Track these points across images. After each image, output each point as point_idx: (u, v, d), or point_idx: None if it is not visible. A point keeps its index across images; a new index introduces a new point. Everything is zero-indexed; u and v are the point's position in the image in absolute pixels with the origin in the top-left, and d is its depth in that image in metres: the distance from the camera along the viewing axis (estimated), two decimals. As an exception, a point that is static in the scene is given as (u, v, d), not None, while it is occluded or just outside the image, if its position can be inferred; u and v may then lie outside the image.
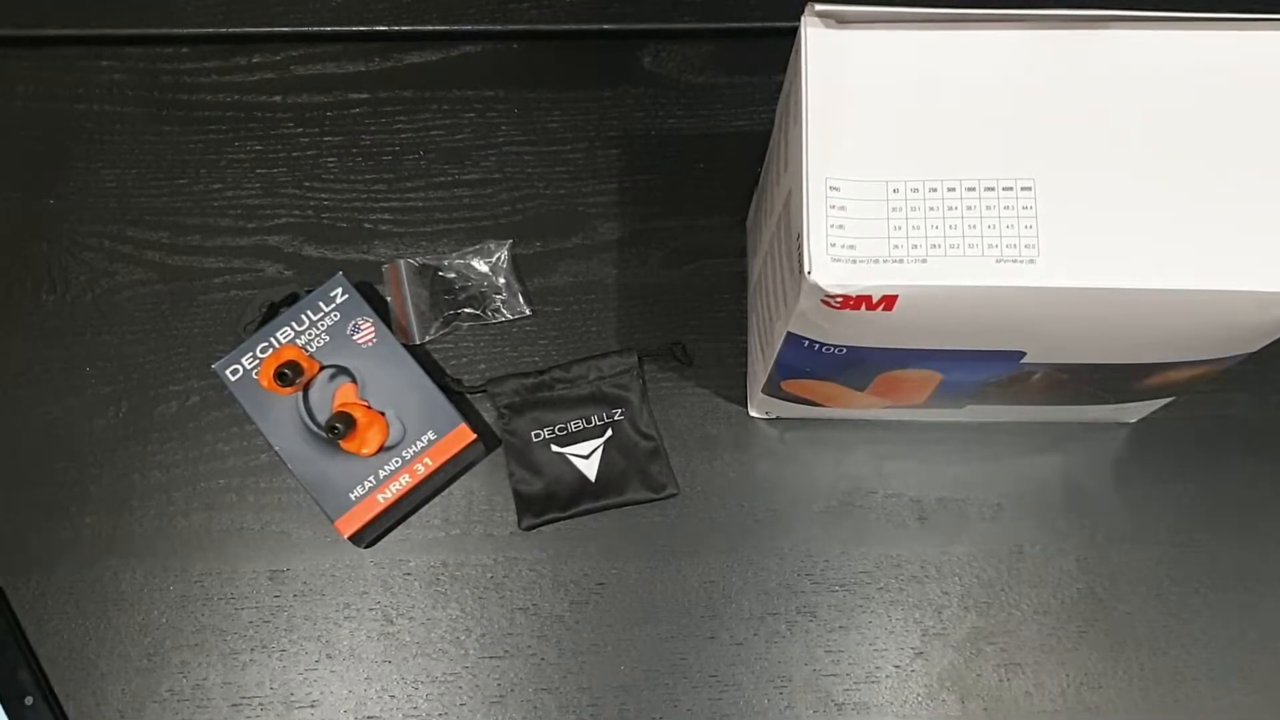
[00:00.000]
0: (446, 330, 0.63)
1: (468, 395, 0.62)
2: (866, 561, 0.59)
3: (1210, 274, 0.39)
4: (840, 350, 0.46)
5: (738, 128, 0.67)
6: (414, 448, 0.58)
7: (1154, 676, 0.57)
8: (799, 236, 0.40)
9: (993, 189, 0.40)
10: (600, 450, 0.60)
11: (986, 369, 0.49)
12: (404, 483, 0.57)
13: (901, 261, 0.40)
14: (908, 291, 0.40)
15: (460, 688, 0.58)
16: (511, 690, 0.58)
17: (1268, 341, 0.44)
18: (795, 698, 0.57)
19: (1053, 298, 0.40)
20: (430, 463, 0.58)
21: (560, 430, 0.61)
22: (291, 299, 0.62)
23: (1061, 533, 0.60)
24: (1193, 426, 0.61)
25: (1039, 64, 0.41)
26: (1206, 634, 0.57)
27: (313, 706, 0.57)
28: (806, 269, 0.39)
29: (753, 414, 0.62)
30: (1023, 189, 0.40)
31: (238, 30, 0.69)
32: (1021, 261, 0.39)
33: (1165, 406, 0.58)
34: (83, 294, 0.64)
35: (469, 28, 0.70)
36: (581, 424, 0.61)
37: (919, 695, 0.57)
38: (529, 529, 0.60)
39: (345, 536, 0.57)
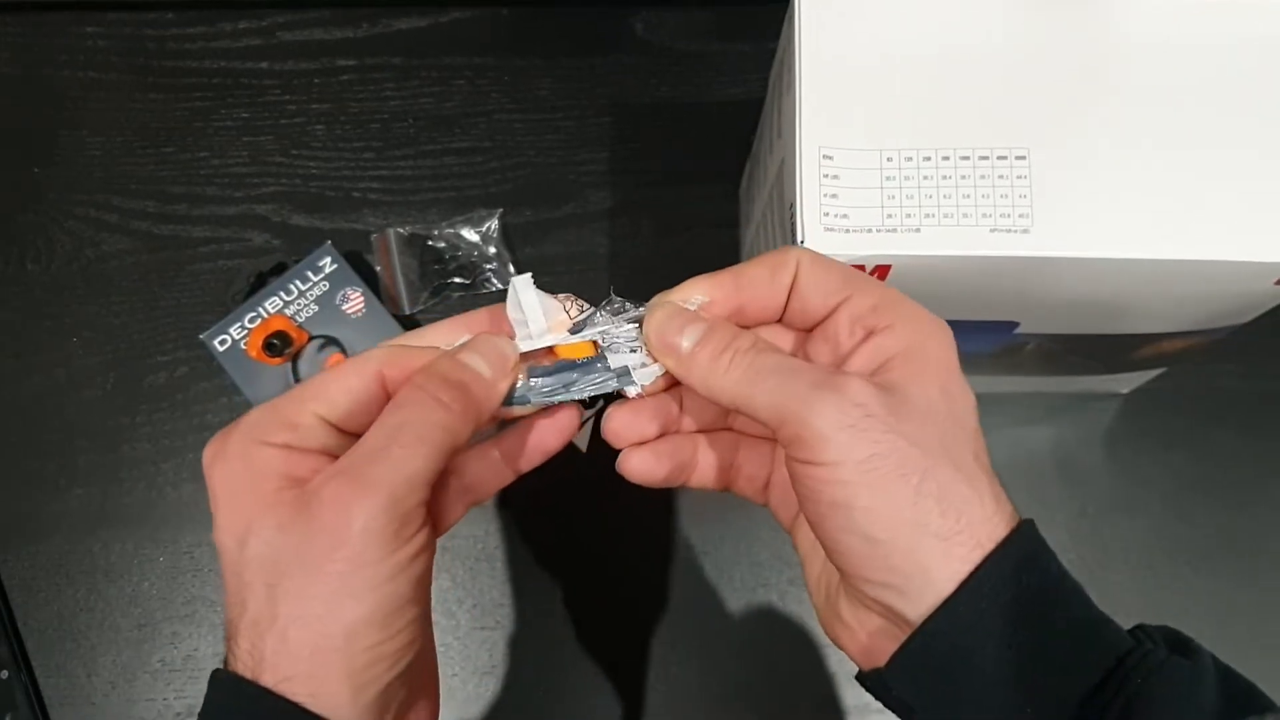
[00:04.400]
0: (436, 300, 0.63)
1: (458, 366, 0.62)
2: (858, 532, 0.59)
3: (1204, 244, 0.39)
4: (833, 321, 0.46)
5: (730, 96, 0.67)
6: (404, 419, 0.57)
7: (1143, 646, 0.57)
8: (792, 206, 0.40)
9: (987, 158, 0.40)
10: (591, 422, 0.60)
11: (980, 339, 0.49)
12: (394, 454, 0.57)
13: (895, 231, 0.39)
14: (901, 261, 0.40)
15: (451, 658, 0.58)
16: (503, 661, 0.58)
17: (1260, 312, 0.44)
18: (789, 668, 0.57)
19: (1046, 267, 0.40)
20: (421, 434, 0.57)
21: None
22: (280, 269, 0.61)
23: (1053, 503, 0.60)
24: (1184, 397, 0.61)
25: (1034, 33, 0.41)
26: (1198, 604, 0.58)
27: (304, 677, 0.58)
28: (800, 238, 0.39)
29: (745, 385, 0.62)
30: (1017, 158, 0.40)
31: (223, -5, 0.68)
32: (1015, 231, 0.39)
33: (1157, 377, 0.58)
34: (69, 264, 0.64)
35: (458, -7, 0.69)
36: (573, 395, 0.60)
37: (909, 665, 0.57)
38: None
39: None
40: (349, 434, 0.33)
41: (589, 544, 0.59)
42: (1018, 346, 0.50)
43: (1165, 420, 0.61)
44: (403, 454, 0.31)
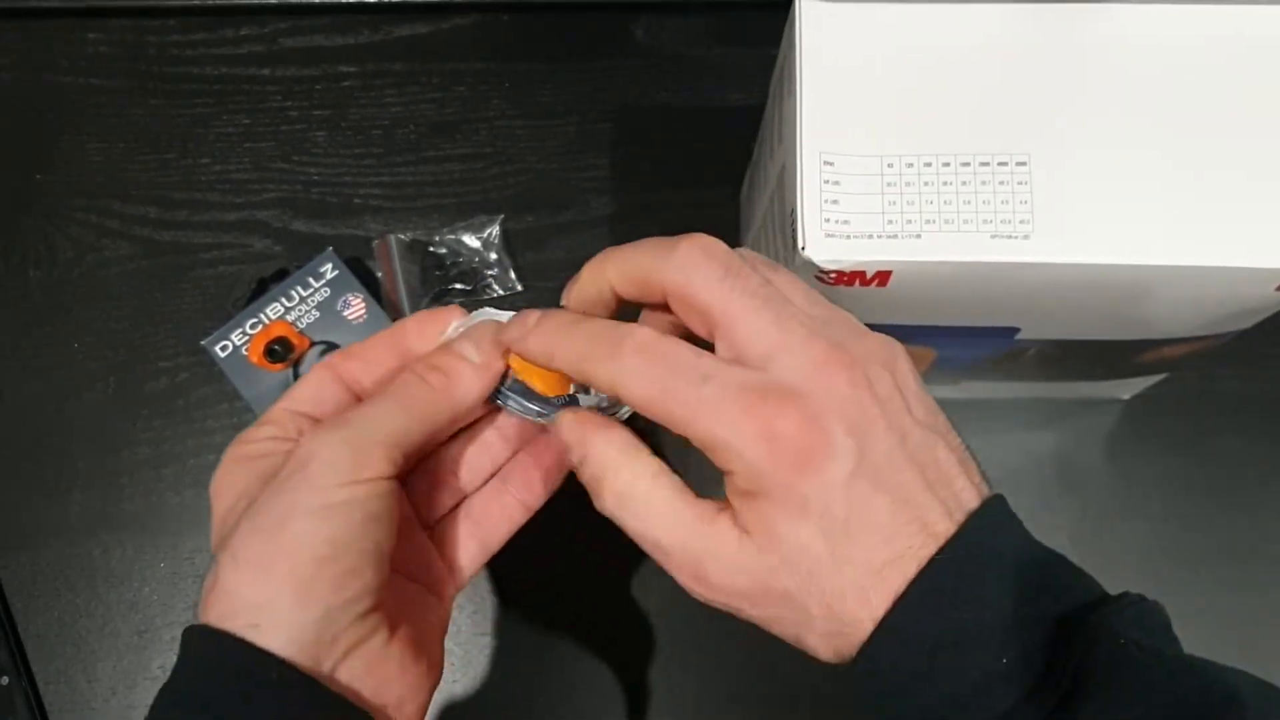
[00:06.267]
0: (437, 306, 0.63)
1: (459, 371, 0.62)
2: (859, 537, 0.59)
3: (1205, 250, 0.39)
4: (834, 326, 0.46)
5: (731, 101, 0.67)
6: (405, 424, 0.57)
7: (1145, 651, 0.57)
8: (793, 212, 0.40)
9: (988, 164, 0.40)
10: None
11: (981, 345, 0.49)
12: (395, 459, 0.57)
13: (896, 237, 0.39)
14: (902, 267, 0.40)
15: (452, 663, 0.58)
16: (502, 663, 0.58)
17: (1262, 317, 0.44)
18: (788, 672, 0.57)
19: (1047, 273, 0.40)
20: (422, 439, 0.57)
21: (553, 406, 0.60)
22: (281, 274, 0.61)
23: (1054, 508, 0.60)
24: (1186, 402, 0.61)
25: (1036, 38, 0.41)
26: (1199, 609, 0.57)
27: (305, 683, 0.57)
28: (800, 244, 0.39)
29: (746, 390, 0.61)
30: (1018, 164, 0.40)
31: (225, 2, 0.68)
32: (1016, 237, 0.39)
33: (1158, 382, 0.58)
34: (70, 270, 0.64)
35: (459, 0, 0.69)
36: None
37: (911, 670, 0.57)
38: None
39: (336, 513, 0.57)
40: (321, 419, 0.37)
41: (589, 545, 0.59)
42: (1018, 352, 0.50)
43: (1166, 425, 0.61)
44: (372, 410, 0.34)
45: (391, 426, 0.34)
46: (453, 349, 0.36)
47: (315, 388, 0.37)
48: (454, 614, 0.58)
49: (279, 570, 0.31)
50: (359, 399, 0.38)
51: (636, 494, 0.33)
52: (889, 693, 0.30)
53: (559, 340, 0.34)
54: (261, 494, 0.33)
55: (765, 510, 0.30)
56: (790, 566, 0.30)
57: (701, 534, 0.31)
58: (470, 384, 0.36)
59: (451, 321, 0.38)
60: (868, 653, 0.29)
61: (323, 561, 0.31)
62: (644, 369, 0.31)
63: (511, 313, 0.37)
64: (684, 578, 0.32)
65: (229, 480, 0.36)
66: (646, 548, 0.33)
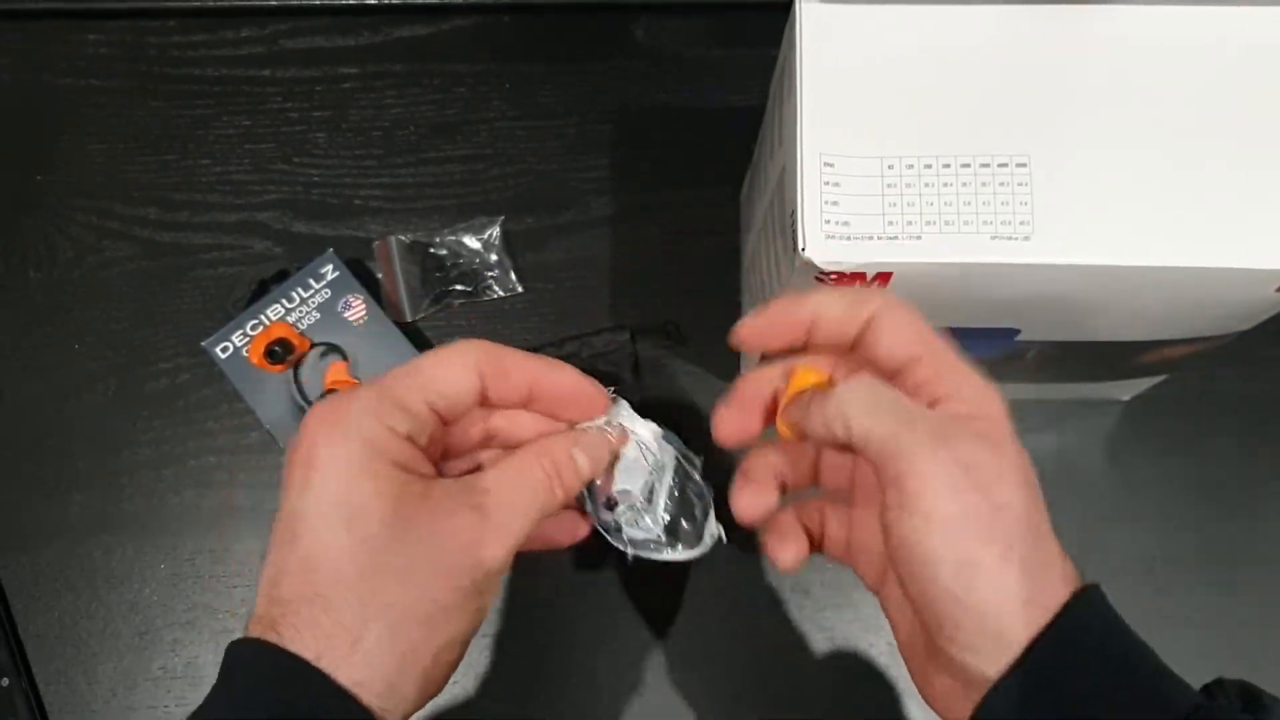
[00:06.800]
0: (438, 307, 0.63)
1: (460, 372, 0.62)
2: (859, 538, 0.59)
3: (1206, 251, 0.39)
4: (834, 327, 0.46)
5: (732, 102, 0.67)
6: (405, 425, 0.57)
7: (1145, 652, 0.57)
8: (793, 213, 0.40)
9: (988, 165, 0.40)
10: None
11: (981, 346, 0.49)
12: (396, 460, 0.57)
13: (896, 238, 0.39)
14: (902, 268, 0.40)
15: (453, 665, 0.58)
16: (501, 664, 0.58)
17: (1262, 319, 0.44)
18: (788, 675, 0.57)
19: (1047, 275, 0.40)
20: (422, 440, 0.57)
21: (553, 408, 0.60)
22: (281, 276, 0.61)
23: (1054, 509, 0.59)
24: (1185, 403, 0.61)
25: (1036, 39, 0.41)
26: (1198, 611, 0.57)
27: (305, 684, 0.57)
28: (801, 246, 0.39)
29: (746, 391, 0.62)
30: (1018, 165, 0.40)
31: (225, 3, 0.68)
32: (1016, 238, 0.39)
33: (1158, 383, 0.58)
34: (70, 271, 0.64)
35: (459, 1, 0.69)
36: (574, 401, 0.60)
37: (911, 671, 0.57)
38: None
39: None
40: (448, 423, 0.36)
41: (586, 554, 0.59)
42: (1018, 353, 0.50)
43: (1166, 426, 0.61)
44: (527, 518, 0.36)
45: (528, 529, 0.36)
46: (571, 453, 0.38)
47: (458, 387, 0.36)
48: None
49: (417, 662, 0.33)
50: (488, 403, 0.38)
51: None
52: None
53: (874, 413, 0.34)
54: (405, 554, 0.32)
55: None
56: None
57: None
58: (577, 485, 0.38)
59: (603, 414, 0.40)
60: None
61: (451, 663, 0.34)
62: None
63: (630, 420, 0.41)
64: None
65: (354, 460, 0.33)
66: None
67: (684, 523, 0.42)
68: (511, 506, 0.35)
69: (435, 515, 0.33)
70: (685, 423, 0.60)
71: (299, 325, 0.59)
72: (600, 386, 0.40)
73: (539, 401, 0.39)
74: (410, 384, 0.35)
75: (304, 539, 0.32)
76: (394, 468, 0.33)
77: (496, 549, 0.34)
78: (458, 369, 0.36)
